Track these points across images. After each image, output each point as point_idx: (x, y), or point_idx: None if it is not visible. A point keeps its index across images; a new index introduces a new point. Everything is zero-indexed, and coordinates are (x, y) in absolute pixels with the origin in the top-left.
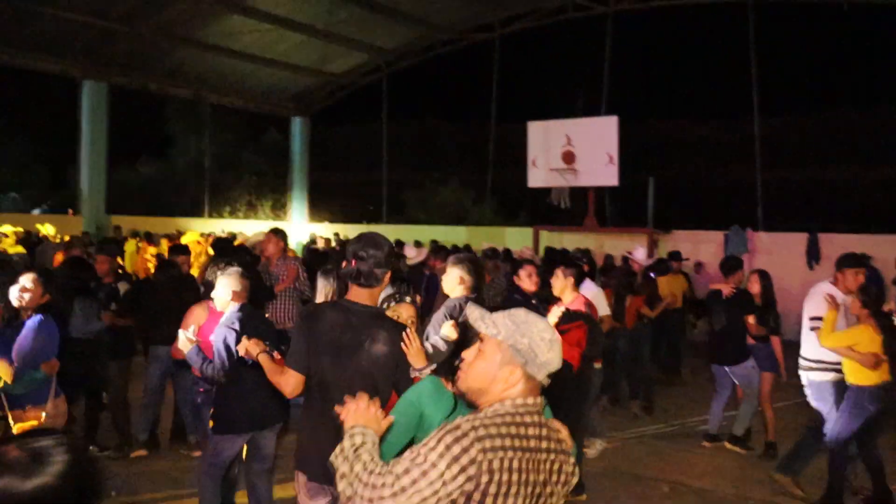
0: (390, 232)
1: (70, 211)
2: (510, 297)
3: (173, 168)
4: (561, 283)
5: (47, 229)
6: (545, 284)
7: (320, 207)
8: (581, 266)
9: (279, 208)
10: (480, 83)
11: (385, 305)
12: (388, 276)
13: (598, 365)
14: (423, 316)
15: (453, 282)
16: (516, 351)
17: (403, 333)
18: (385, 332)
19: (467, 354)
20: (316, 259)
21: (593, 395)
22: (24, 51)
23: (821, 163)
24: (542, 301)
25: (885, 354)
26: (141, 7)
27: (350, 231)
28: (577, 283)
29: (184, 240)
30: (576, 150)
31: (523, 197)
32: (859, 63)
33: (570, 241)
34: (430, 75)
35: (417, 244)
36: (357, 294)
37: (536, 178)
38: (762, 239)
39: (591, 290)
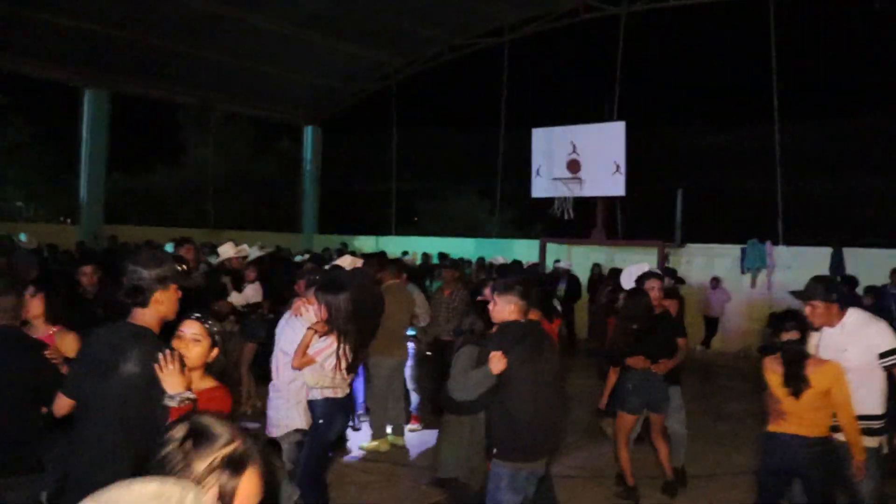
0: (399, 244)
1: (68, 220)
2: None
3: (180, 177)
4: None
5: (21, 238)
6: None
7: (332, 218)
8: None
9: (289, 219)
10: (492, 89)
11: None
12: (161, 294)
13: None
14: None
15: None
16: None
17: (159, 354)
18: (139, 352)
19: None
20: None
21: None
22: (25, 57)
23: (846, 172)
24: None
25: None
26: (143, 13)
27: (361, 243)
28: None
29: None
30: (581, 158)
31: (537, 208)
32: (889, 66)
33: (577, 253)
34: (441, 82)
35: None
36: (133, 313)
37: (540, 187)
38: (782, 253)
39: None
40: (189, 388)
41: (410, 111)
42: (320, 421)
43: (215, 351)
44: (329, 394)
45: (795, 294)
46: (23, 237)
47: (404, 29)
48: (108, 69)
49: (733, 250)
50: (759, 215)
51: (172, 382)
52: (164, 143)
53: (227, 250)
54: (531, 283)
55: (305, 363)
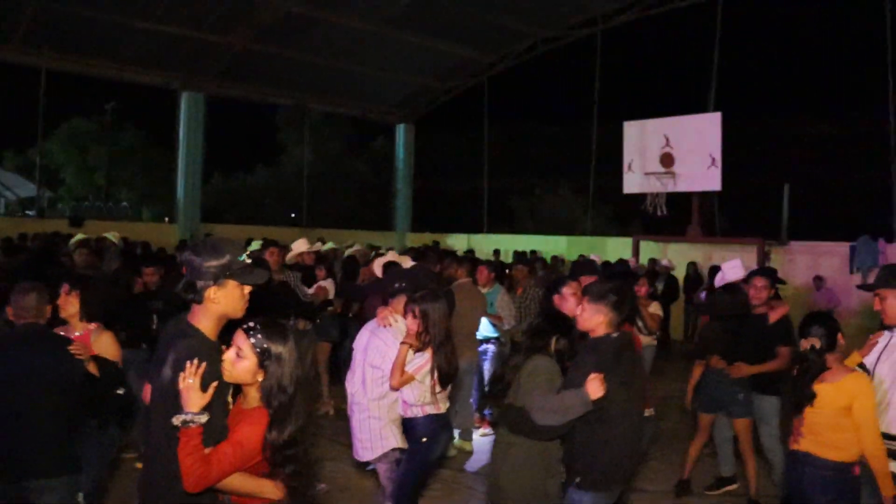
0: (492, 242)
1: (167, 219)
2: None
3: (276, 177)
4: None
5: (113, 236)
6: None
7: (425, 217)
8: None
9: (382, 217)
10: (585, 83)
11: None
12: (218, 290)
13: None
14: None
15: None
16: None
17: (187, 363)
18: (174, 354)
19: None
20: None
21: None
22: (128, 64)
23: None
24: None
25: None
26: (236, 16)
27: (453, 241)
28: None
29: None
30: (675, 151)
31: (633, 204)
32: None
33: (673, 251)
34: (533, 77)
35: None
36: (192, 310)
37: (632, 183)
38: None
39: None
40: (204, 409)
41: (503, 107)
42: (423, 440)
43: (260, 374)
44: (431, 410)
45: (863, 287)
46: (110, 236)
47: (495, 24)
48: (203, 72)
49: (841, 248)
50: (870, 210)
51: (187, 398)
52: (262, 145)
53: (299, 246)
54: (629, 290)
55: (405, 381)
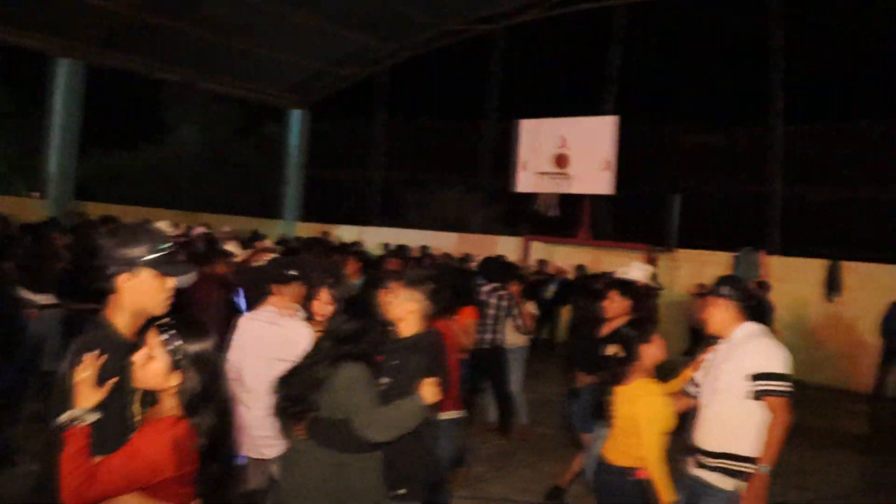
0: (381, 235)
1: (37, 194)
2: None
3: (159, 157)
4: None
5: None
6: None
7: (315, 206)
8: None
9: (270, 205)
10: (483, 79)
11: None
12: (129, 278)
13: None
14: None
15: None
16: None
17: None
18: (74, 347)
19: None
20: None
21: None
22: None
23: (850, 180)
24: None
25: None
26: None
27: (343, 232)
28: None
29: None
30: (569, 152)
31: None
32: None
33: (562, 253)
34: (431, 69)
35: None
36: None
37: (525, 182)
38: (775, 263)
39: None
40: (98, 408)
41: (400, 98)
42: None
43: (174, 377)
44: None
45: (700, 294)
46: None
47: (397, 12)
48: (83, 39)
49: (724, 258)
50: (753, 222)
51: (78, 393)
52: (146, 122)
53: (161, 228)
54: (448, 284)
55: None
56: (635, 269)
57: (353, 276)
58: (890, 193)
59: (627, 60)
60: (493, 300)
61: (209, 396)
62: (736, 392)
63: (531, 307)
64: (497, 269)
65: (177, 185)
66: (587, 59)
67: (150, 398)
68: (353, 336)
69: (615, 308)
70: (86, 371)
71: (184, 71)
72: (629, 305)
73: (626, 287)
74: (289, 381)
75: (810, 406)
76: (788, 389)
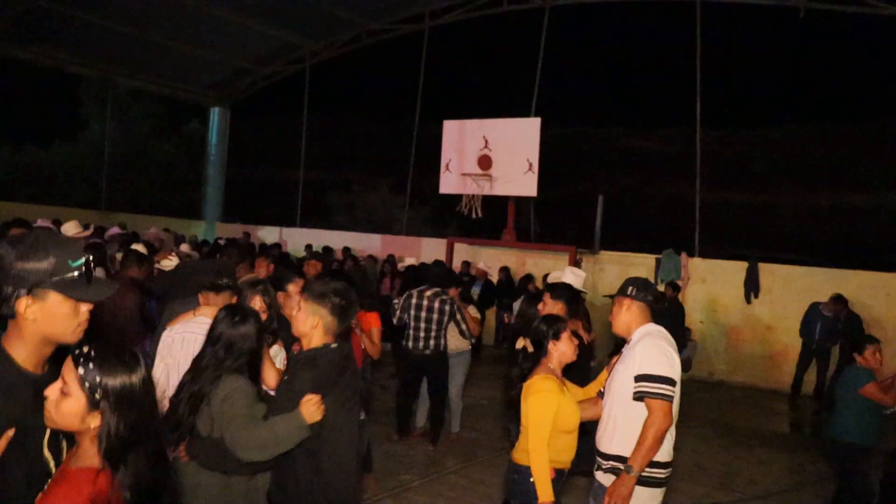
0: (305, 236)
1: None
2: None
3: (76, 154)
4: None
5: None
6: None
7: (236, 206)
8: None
9: (190, 205)
10: (409, 79)
11: None
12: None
13: None
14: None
15: None
16: None
17: None
18: None
19: None
20: None
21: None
22: None
23: (768, 184)
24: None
25: None
26: None
27: (265, 234)
28: None
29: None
30: (493, 153)
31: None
32: (814, 75)
33: (487, 256)
34: (357, 69)
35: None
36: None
37: (449, 183)
38: (697, 265)
39: None
40: None
41: (324, 98)
42: None
43: (94, 418)
44: None
45: (607, 295)
46: None
47: (321, 10)
48: None
49: (648, 260)
50: (676, 224)
51: None
52: (62, 118)
53: (69, 229)
54: (353, 294)
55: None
56: (568, 273)
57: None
58: (809, 197)
59: (552, 62)
60: (436, 304)
61: (136, 441)
62: (626, 394)
63: (474, 311)
64: (440, 273)
65: (94, 183)
66: (512, 60)
67: (64, 441)
68: (233, 347)
69: (549, 311)
70: None
71: (99, 65)
72: (563, 309)
73: (556, 291)
74: (173, 400)
75: (732, 406)
76: (666, 392)
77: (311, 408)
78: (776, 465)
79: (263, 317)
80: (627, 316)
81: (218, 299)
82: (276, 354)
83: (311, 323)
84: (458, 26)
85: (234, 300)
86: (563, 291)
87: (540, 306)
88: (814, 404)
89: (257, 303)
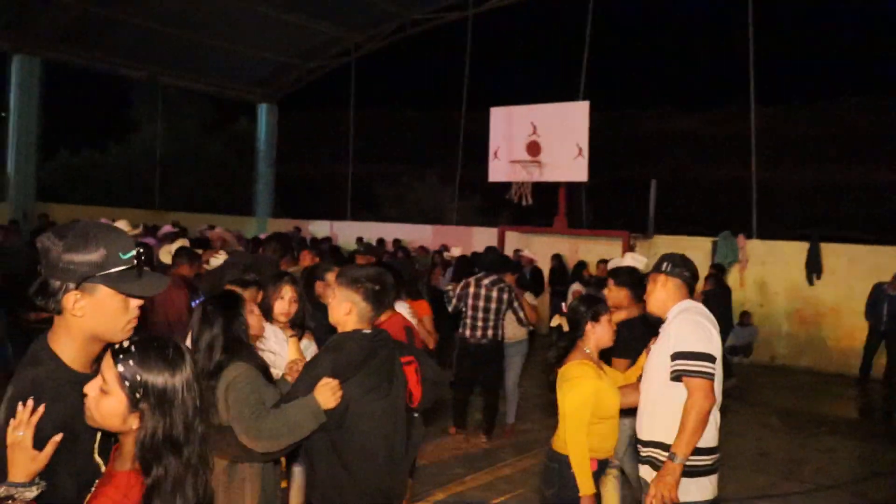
0: (355, 229)
1: None
2: None
3: (128, 156)
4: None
5: None
6: None
7: (287, 202)
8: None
9: (242, 202)
10: (454, 67)
11: None
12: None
13: None
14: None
15: None
16: None
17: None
18: (10, 392)
19: None
20: None
21: None
22: None
23: (827, 162)
24: None
25: None
26: None
27: (316, 228)
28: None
29: None
30: (541, 139)
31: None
32: (873, 47)
33: (539, 243)
34: (401, 60)
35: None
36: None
37: (498, 171)
38: (755, 247)
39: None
40: (37, 478)
41: (370, 90)
42: None
43: (135, 419)
44: None
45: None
46: None
47: (363, 2)
48: (39, 34)
49: (704, 243)
50: (732, 206)
51: (11, 460)
52: (114, 120)
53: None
54: (390, 281)
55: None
56: (628, 259)
57: None
58: (871, 173)
59: (599, 44)
60: (494, 293)
61: (176, 447)
62: (664, 374)
63: (531, 298)
64: (494, 260)
65: (147, 184)
66: (558, 44)
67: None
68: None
69: (614, 298)
70: (18, 430)
71: (147, 67)
72: (628, 295)
73: (620, 277)
74: None
75: (796, 391)
76: (705, 370)
77: (326, 392)
78: (845, 454)
79: (293, 308)
80: (663, 293)
81: (244, 294)
82: (307, 348)
83: (345, 309)
84: (501, 11)
85: (259, 296)
86: (627, 277)
87: (605, 291)
88: (884, 389)
89: (287, 293)
